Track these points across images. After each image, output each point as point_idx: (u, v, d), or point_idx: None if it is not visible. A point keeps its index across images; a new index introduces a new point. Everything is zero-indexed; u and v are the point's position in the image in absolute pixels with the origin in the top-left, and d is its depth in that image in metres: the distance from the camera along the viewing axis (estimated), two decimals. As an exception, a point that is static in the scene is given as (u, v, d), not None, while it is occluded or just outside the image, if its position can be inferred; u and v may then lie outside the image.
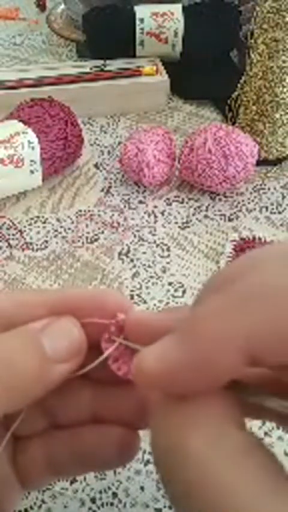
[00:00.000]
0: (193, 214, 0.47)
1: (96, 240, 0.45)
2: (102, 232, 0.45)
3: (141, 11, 0.60)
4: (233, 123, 0.53)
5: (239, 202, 0.48)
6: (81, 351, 0.18)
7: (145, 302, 0.40)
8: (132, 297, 0.40)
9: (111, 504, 0.29)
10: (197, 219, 0.47)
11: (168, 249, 0.44)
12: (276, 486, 0.12)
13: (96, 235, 0.45)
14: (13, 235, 0.45)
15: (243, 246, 0.43)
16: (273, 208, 0.48)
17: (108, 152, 0.54)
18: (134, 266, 0.42)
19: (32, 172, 0.46)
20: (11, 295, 0.19)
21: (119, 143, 0.55)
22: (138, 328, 0.18)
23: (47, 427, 0.21)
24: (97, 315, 0.18)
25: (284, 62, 0.44)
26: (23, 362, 0.17)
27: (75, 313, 0.19)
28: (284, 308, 0.12)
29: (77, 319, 0.18)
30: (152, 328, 0.17)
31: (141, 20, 0.59)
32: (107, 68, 0.59)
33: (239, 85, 0.50)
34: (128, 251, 0.44)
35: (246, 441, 0.13)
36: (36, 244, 0.44)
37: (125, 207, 0.48)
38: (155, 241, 0.45)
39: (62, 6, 0.75)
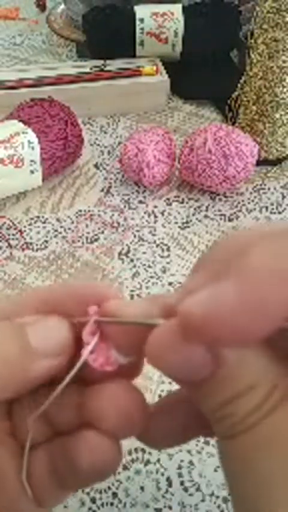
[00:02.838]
0: (193, 214, 0.47)
1: (96, 240, 0.45)
2: (102, 232, 0.45)
3: (141, 11, 0.60)
4: (233, 123, 0.53)
5: (239, 202, 0.48)
6: (68, 349, 0.18)
7: (145, 302, 0.40)
8: (132, 297, 0.40)
9: (111, 504, 0.29)
10: (197, 219, 0.47)
11: (168, 249, 0.44)
12: None
13: (96, 235, 0.45)
14: (13, 235, 0.45)
15: (243, 246, 0.43)
16: (273, 208, 0.48)
17: (108, 152, 0.54)
18: (134, 266, 0.42)
19: (32, 172, 0.46)
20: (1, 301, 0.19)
21: (119, 143, 0.55)
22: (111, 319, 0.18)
23: (49, 436, 0.20)
24: (80, 309, 0.18)
25: (284, 62, 0.44)
26: (4, 348, 0.17)
27: (61, 310, 0.18)
28: None
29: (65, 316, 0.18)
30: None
31: (141, 20, 0.59)
32: (107, 68, 0.59)
33: (239, 85, 0.50)
34: (128, 251, 0.44)
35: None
36: (36, 244, 0.44)
37: (125, 207, 0.48)
38: (155, 241, 0.45)
39: (62, 6, 0.75)
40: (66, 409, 0.19)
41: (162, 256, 0.43)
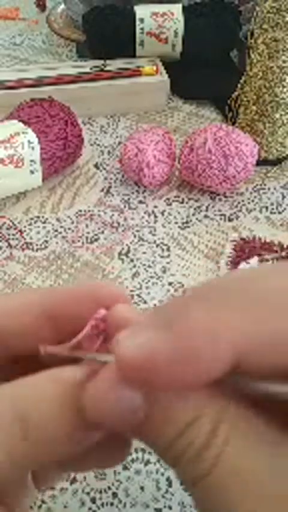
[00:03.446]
0: (193, 214, 0.47)
1: (96, 240, 0.45)
2: (102, 232, 0.45)
3: (141, 11, 0.60)
4: (233, 123, 0.53)
5: (239, 202, 0.48)
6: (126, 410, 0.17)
7: (145, 302, 0.40)
8: (132, 297, 0.40)
9: (111, 504, 0.29)
10: (197, 219, 0.47)
11: (168, 249, 0.44)
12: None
13: (96, 235, 0.45)
14: (13, 235, 0.45)
15: (243, 246, 0.43)
16: (273, 208, 0.48)
17: (108, 152, 0.54)
18: (134, 266, 0.42)
19: (32, 172, 0.46)
20: None
21: (119, 143, 0.55)
22: (120, 324, 0.17)
23: None
24: (93, 312, 0.17)
25: (284, 62, 0.44)
26: (56, 424, 0.15)
27: (70, 314, 0.18)
28: (275, 310, 0.12)
29: (74, 318, 0.18)
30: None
31: (141, 20, 0.59)
32: (107, 68, 0.59)
33: (239, 85, 0.50)
34: (128, 251, 0.44)
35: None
36: (36, 244, 0.44)
37: (125, 207, 0.48)
38: (155, 241, 0.45)
39: (62, 6, 0.75)
40: None
41: (162, 256, 0.43)
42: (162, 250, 0.44)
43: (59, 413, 0.15)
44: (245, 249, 0.43)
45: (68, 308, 0.18)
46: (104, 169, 0.52)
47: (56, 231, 0.46)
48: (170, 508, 0.29)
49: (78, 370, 0.16)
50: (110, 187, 0.50)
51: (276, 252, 0.43)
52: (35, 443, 0.14)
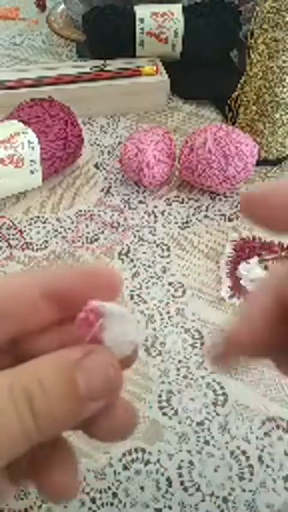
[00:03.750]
0: (193, 214, 0.47)
1: (96, 240, 0.45)
2: (102, 232, 0.45)
3: (141, 11, 0.60)
4: (233, 123, 0.53)
5: (239, 202, 0.48)
6: (116, 389, 0.18)
7: (145, 302, 0.40)
8: (132, 297, 0.40)
9: (111, 504, 0.29)
10: (197, 219, 0.47)
11: (168, 249, 0.44)
12: None
13: (96, 235, 0.45)
14: (13, 235, 0.45)
15: (243, 246, 0.43)
16: (273, 208, 0.48)
17: (108, 152, 0.54)
18: (134, 266, 0.42)
19: (32, 172, 0.46)
20: None
21: (119, 143, 0.55)
22: (260, 204, 0.17)
23: None
24: (90, 293, 0.18)
25: (284, 62, 0.44)
26: (57, 401, 0.16)
27: (67, 295, 0.18)
28: None
29: (71, 301, 0.18)
30: (273, 200, 0.17)
31: (141, 20, 0.59)
32: (107, 68, 0.59)
33: (239, 85, 0.50)
34: (128, 251, 0.44)
35: None
36: (36, 244, 0.44)
37: (125, 207, 0.48)
38: (155, 241, 0.45)
39: (62, 6, 0.75)
40: None
41: (162, 256, 0.43)
42: (162, 250, 0.44)
43: (60, 390, 0.16)
44: (245, 249, 0.43)
45: (67, 290, 0.18)
46: (104, 169, 0.52)
47: (56, 231, 0.46)
48: (170, 508, 0.29)
49: (74, 350, 0.17)
50: (110, 187, 0.50)
51: (276, 252, 0.43)
52: (43, 417, 0.16)
